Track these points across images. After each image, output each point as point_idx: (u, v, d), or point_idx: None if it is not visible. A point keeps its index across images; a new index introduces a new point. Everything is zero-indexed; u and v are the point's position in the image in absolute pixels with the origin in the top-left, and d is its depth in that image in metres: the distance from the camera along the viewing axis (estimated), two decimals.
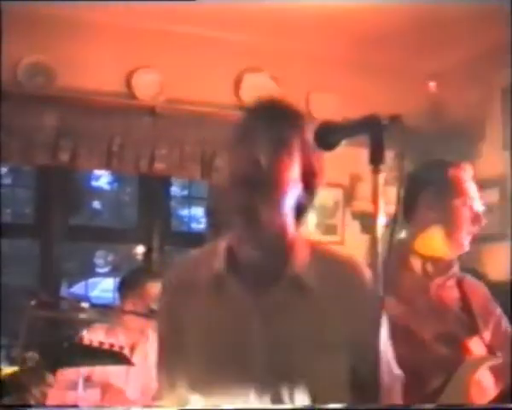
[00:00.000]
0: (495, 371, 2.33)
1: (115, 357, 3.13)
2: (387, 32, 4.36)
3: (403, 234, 2.53)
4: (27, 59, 4.21)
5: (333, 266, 1.70)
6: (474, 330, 2.42)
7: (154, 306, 3.63)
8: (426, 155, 4.00)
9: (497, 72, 4.44)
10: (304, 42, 4.60)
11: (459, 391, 2.27)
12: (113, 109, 4.33)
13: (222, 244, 1.70)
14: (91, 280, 6.76)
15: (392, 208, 1.44)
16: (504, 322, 2.52)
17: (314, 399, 1.60)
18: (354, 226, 4.91)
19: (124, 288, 3.86)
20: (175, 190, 6.21)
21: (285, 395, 1.60)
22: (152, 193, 4.90)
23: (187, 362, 1.67)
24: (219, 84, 4.50)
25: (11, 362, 3.46)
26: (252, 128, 1.64)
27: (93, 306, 3.58)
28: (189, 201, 6.21)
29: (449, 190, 2.43)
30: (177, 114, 4.42)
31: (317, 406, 1.60)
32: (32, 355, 3.04)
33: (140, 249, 4.97)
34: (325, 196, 4.83)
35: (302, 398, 1.60)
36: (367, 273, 1.67)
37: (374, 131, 1.42)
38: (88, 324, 3.65)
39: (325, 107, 4.69)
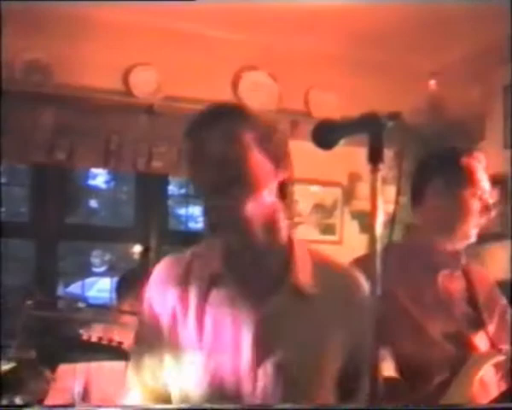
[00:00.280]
0: (500, 368, 2.32)
1: (114, 352, 3.11)
2: (387, 29, 4.35)
3: (410, 223, 2.50)
4: (24, 57, 4.20)
5: (331, 274, 1.69)
6: (479, 325, 2.40)
7: None
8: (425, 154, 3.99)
9: (498, 69, 4.43)
10: (302, 40, 4.59)
11: (463, 388, 2.26)
12: (111, 107, 4.32)
13: (218, 241, 1.67)
14: (88, 280, 6.73)
15: (391, 208, 1.42)
16: (508, 314, 2.50)
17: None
18: (353, 226, 4.90)
19: (121, 288, 3.85)
20: (172, 188, 6.18)
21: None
22: (149, 192, 4.88)
23: (170, 366, 1.65)
24: (217, 83, 4.48)
25: (8, 362, 3.43)
26: (201, 134, 1.63)
27: (90, 306, 3.56)
28: (186, 199, 6.18)
29: (460, 180, 2.39)
30: (175, 112, 4.40)
31: (318, 406, 1.59)
32: (29, 351, 3.03)
33: (137, 249, 4.95)
34: (324, 194, 4.82)
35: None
36: (364, 284, 1.67)
37: (373, 130, 1.40)
38: (85, 324, 3.64)
39: (324, 105, 4.68)
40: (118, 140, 4.35)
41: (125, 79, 4.42)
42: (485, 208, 2.40)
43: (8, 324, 3.61)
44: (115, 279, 4.07)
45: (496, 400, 2.22)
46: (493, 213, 2.42)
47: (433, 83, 4.73)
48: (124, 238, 5.24)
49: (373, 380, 1.34)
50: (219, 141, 1.60)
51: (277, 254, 1.65)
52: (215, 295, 1.63)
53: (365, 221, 4.74)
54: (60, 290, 4.75)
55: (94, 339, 3.11)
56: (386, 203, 1.38)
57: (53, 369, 3.52)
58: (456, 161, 2.41)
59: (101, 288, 6.73)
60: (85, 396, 3.65)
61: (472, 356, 2.32)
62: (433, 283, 2.39)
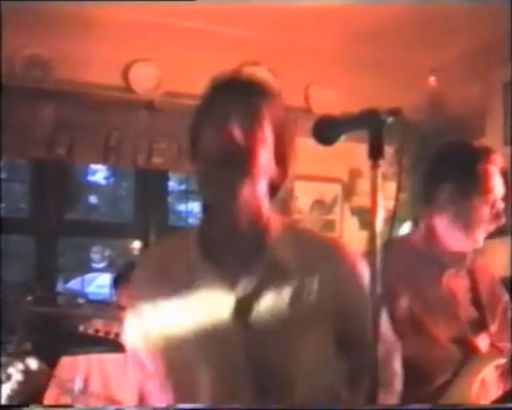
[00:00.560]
0: (501, 369, 2.32)
1: (111, 344, 3.12)
2: (387, 26, 4.34)
3: (418, 220, 2.48)
4: (25, 52, 4.20)
5: (316, 247, 1.69)
6: (482, 326, 2.39)
7: None
8: (425, 151, 3.99)
9: (498, 66, 4.42)
10: (302, 36, 4.58)
11: (465, 389, 2.26)
12: (111, 103, 4.31)
13: (193, 231, 1.68)
14: (88, 276, 6.73)
15: (391, 204, 1.41)
16: (509, 314, 2.49)
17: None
18: (353, 222, 4.89)
19: (118, 283, 3.85)
20: (172, 184, 6.18)
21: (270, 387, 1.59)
22: (149, 188, 4.88)
23: (160, 359, 1.66)
24: None
25: (8, 357, 3.43)
26: (222, 104, 1.62)
27: (89, 301, 3.56)
28: (186, 196, 6.19)
29: (473, 187, 2.33)
30: (175, 108, 4.39)
31: (318, 406, 1.58)
32: (24, 345, 3.03)
33: (137, 245, 4.95)
34: (324, 191, 4.82)
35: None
36: (352, 252, 1.71)
37: (373, 126, 1.40)
38: (84, 319, 3.64)
39: (324, 101, 4.67)
40: (118, 136, 4.35)
41: (125, 74, 4.42)
42: (497, 216, 2.36)
43: (8, 319, 3.61)
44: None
45: (497, 401, 2.22)
46: (504, 221, 2.38)
47: (433, 80, 4.72)
48: (123, 234, 5.24)
49: (373, 380, 1.34)
50: (242, 111, 1.60)
51: (254, 235, 1.64)
52: (193, 283, 1.62)
53: (365, 217, 4.73)
54: (59, 286, 4.75)
55: (91, 332, 3.12)
56: (386, 200, 1.38)
57: (51, 363, 3.53)
58: (471, 166, 2.33)
59: (100, 284, 6.72)
60: (86, 388, 3.65)
61: (473, 357, 2.31)
62: (438, 282, 2.37)
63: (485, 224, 2.36)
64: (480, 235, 2.38)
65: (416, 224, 2.48)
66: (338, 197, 4.90)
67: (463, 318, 2.37)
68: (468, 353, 2.31)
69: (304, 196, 4.73)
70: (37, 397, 3.63)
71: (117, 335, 3.12)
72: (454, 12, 4.05)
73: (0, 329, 3.50)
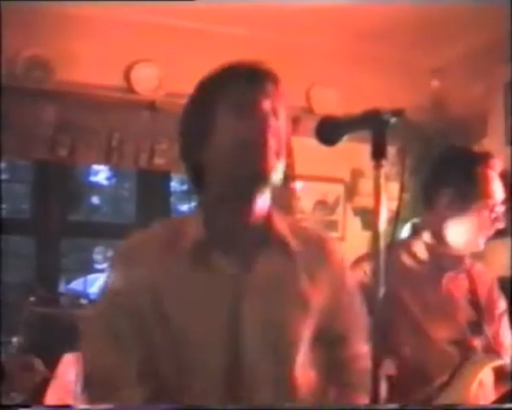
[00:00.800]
0: (498, 371, 2.31)
1: None
2: (389, 27, 4.34)
3: (418, 223, 2.48)
4: (25, 53, 4.19)
5: (309, 237, 1.74)
6: (480, 327, 2.39)
7: None
8: (428, 151, 3.99)
9: (500, 66, 4.41)
10: (304, 36, 4.58)
11: (462, 390, 2.25)
12: (112, 104, 4.31)
13: (193, 217, 1.68)
14: (90, 276, 6.73)
15: (393, 204, 1.41)
16: (507, 315, 2.50)
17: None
18: (355, 222, 4.89)
19: None
20: (174, 185, 6.18)
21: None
22: (151, 188, 4.87)
23: (153, 351, 1.61)
24: None
25: (9, 358, 3.44)
26: (247, 95, 1.61)
27: (92, 302, 3.56)
28: (188, 196, 6.18)
29: (472, 192, 2.35)
30: (177, 109, 4.34)
31: (318, 406, 1.58)
32: (17, 341, 3.04)
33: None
34: (326, 191, 4.81)
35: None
36: (338, 248, 1.77)
37: (376, 126, 1.40)
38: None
39: (326, 101, 4.67)
40: (119, 137, 4.34)
41: (127, 75, 4.41)
42: (496, 220, 2.37)
43: (10, 320, 3.61)
44: None
45: (495, 402, 2.22)
46: (503, 224, 2.39)
47: (435, 80, 4.72)
48: (126, 235, 5.22)
49: (375, 380, 1.34)
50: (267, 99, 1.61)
51: (258, 222, 1.66)
52: (200, 261, 1.61)
53: (368, 218, 4.72)
54: (62, 287, 4.74)
55: None
56: (388, 200, 1.38)
57: (52, 362, 3.54)
58: (470, 171, 2.35)
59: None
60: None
61: (471, 358, 2.31)
62: (437, 285, 2.38)
63: (485, 228, 2.38)
64: (481, 239, 2.40)
65: (415, 227, 2.48)
66: (340, 198, 4.89)
67: (462, 320, 2.38)
68: (466, 354, 2.31)
69: (306, 196, 4.72)
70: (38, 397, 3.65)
71: None
72: (456, 12, 4.04)
73: (1, 329, 3.50)
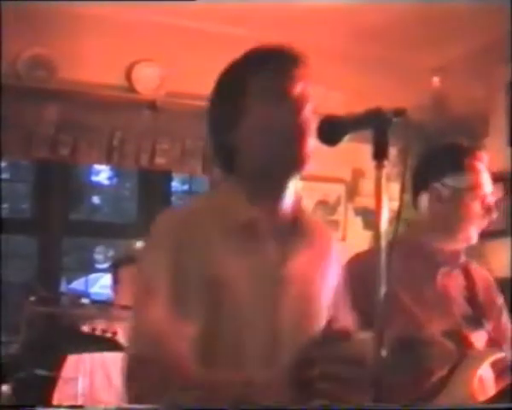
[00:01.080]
0: (497, 366, 2.31)
1: (108, 343, 3.12)
2: (390, 26, 4.34)
3: (411, 220, 2.49)
4: (27, 52, 4.18)
5: (320, 228, 1.82)
6: (478, 324, 2.39)
7: None
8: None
9: (501, 66, 4.41)
10: (305, 36, 4.56)
11: (461, 386, 2.25)
12: (114, 103, 4.31)
13: (234, 195, 1.67)
14: (91, 276, 6.73)
15: (394, 204, 1.41)
16: (505, 313, 2.50)
17: None
18: (356, 222, 4.88)
19: (117, 267, 3.92)
20: (176, 185, 6.18)
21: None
22: (152, 188, 4.87)
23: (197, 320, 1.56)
24: None
25: (10, 358, 3.44)
26: (278, 79, 1.64)
27: (93, 302, 3.57)
28: (189, 196, 6.18)
29: (462, 183, 2.36)
30: (178, 109, 4.39)
31: (318, 406, 1.58)
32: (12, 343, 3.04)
33: (140, 245, 4.94)
34: (327, 191, 4.81)
35: None
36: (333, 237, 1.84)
37: (378, 126, 1.40)
38: (88, 320, 3.64)
39: (327, 101, 4.66)
40: (121, 136, 4.34)
41: (128, 74, 4.41)
42: (487, 210, 2.38)
43: (11, 320, 3.61)
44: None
45: (494, 397, 2.21)
46: (495, 215, 2.40)
47: (436, 80, 4.71)
48: (127, 234, 5.23)
49: (376, 380, 1.34)
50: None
51: (289, 208, 1.70)
52: (246, 238, 1.61)
53: (369, 218, 4.72)
54: (63, 287, 4.75)
55: (87, 330, 3.13)
56: (389, 200, 1.38)
57: (54, 363, 3.54)
58: (458, 162, 2.38)
59: (104, 284, 6.72)
60: (90, 388, 3.66)
61: (470, 354, 2.31)
62: (432, 280, 2.38)
63: (476, 219, 2.38)
64: (473, 231, 2.41)
65: (407, 223, 2.49)
66: (341, 198, 4.89)
67: (458, 314, 2.38)
68: (465, 349, 2.31)
69: (307, 196, 4.72)
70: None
71: (114, 333, 3.13)
72: (457, 12, 4.04)
73: (1, 329, 3.51)
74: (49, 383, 3.69)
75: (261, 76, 1.65)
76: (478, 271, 2.50)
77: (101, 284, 6.94)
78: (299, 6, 4.14)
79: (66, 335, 3.27)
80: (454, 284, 2.42)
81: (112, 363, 3.66)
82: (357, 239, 4.62)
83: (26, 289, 3.41)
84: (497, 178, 2.56)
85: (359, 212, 4.88)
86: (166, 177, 4.97)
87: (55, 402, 3.63)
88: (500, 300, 2.51)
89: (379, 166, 1.38)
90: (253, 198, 1.64)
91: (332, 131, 1.51)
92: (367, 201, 4.60)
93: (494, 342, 2.39)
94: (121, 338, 3.37)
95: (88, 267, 6.94)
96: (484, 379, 2.30)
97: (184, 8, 4.16)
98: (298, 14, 4.24)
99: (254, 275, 1.60)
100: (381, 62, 4.70)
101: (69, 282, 5.59)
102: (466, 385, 2.25)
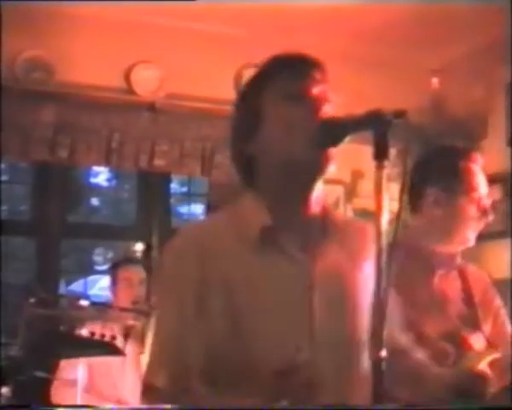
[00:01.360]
0: (495, 366, 2.31)
1: (106, 347, 3.11)
2: (390, 27, 4.33)
3: (408, 225, 2.49)
4: (25, 54, 4.18)
5: (353, 228, 1.79)
6: (475, 325, 2.40)
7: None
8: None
9: (501, 67, 4.41)
10: (304, 37, 4.57)
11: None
12: (112, 105, 4.31)
13: (254, 205, 1.66)
14: (90, 278, 6.73)
15: (393, 205, 1.41)
16: (503, 315, 2.50)
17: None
18: None
19: (116, 267, 3.93)
20: (175, 186, 6.18)
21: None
22: (151, 190, 4.88)
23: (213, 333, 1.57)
24: (219, 80, 4.46)
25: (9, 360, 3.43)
26: (296, 82, 1.63)
27: (92, 304, 3.56)
28: (188, 198, 6.19)
29: (458, 186, 2.37)
30: (177, 110, 4.39)
31: (318, 406, 1.57)
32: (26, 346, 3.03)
33: (139, 247, 4.95)
34: (326, 192, 4.80)
35: None
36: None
37: (379, 127, 1.40)
38: (87, 322, 3.64)
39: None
40: (119, 138, 4.34)
41: (127, 76, 4.41)
42: (484, 213, 2.39)
43: (9, 322, 3.60)
44: None
45: (494, 397, 2.21)
46: (491, 217, 2.40)
47: (435, 81, 4.71)
48: (126, 236, 5.24)
49: (376, 380, 1.34)
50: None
51: (316, 212, 1.70)
52: (270, 247, 1.61)
53: (368, 219, 4.72)
54: (62, 288, 4.75)
55: (86, 334, 3.12)
56: (389, 201, 1.38)
57: (48, 363, 3.54)
58: (453, 166, 2.39)
59: (103, 286, 6.72)
60: (88, 389, 3.66)
61: (467, 354, 2.31)
62: (429, 283, 2.39)
63: (473, 222, 2.40)
64: (470, 234, 2.42)
65: (404, 226, 2.49)
66: (340, 199, 4.88)
67: (455, 316, 2.38)
68: (462, 351, 2.32)
69: None
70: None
71: (113, 337, 3.12)
72: (457, 13, 4.04)
73: (1, 331, 3.50)
74: (49, 386, 3.69)
75: (279, 79, 1.64)
76: (475, 273, 2.51)
77: (100, 286, 6.93)
78: (298, 7, 4.14)
79: (64, 339, 3.26)
80: (451, 286, 2.43)
81: (110, 366, 3.67)
82: None
83: (25, 290, 3.40)
84: (495, 179, 2.57)
85: (358, 213, 4.88)
86: (165, 178, 4.97)
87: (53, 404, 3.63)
88: (498, 301, 2.51)
89: (379, 167, 1.38)
90: (275, 206, 1.64)
91: (333, 132, 1.51)
92: (366, 202, 4.59)
93: (492, 344, 2.39)
94: (119, 343, 3.38)
95: (87, 269, 6.93)
96: None
97: (183, 9, 4.16)
98: (297, 14, 4.24)
99: (280, 283, 1.59)
100: (381, 63, 4.69)
101: (68, 284, 5.59)
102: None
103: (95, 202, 8.10)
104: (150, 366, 1.63)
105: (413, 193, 2.45)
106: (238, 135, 1.70)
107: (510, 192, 4.29)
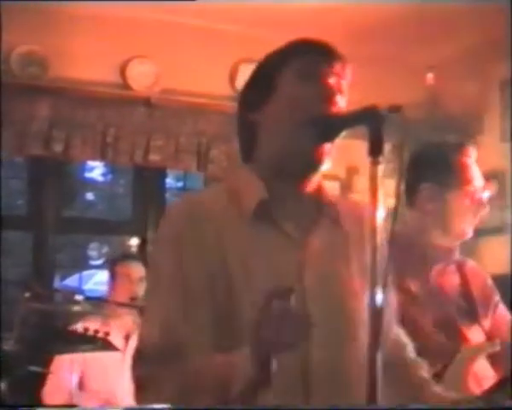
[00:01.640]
0: (493, 359, 2.32)
1: (99, 343, 3.11)
2: (385, 24, 4.34)
3: (404, 220, 2.49)
4: (20, 49, 4.18)
5: (348, 207, 1.74)
6: (473, 318, 2.41)
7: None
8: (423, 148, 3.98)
9: (496, 64, 4.42)
10: (299, 33, 4.56)
11: (456, 380, 2.25)
12: (108, 100, 4.31)
13: (251, 179, 1.64)
14: (85, 273, 6.73)
15: (389, 201, 1.41)
16: (502, 308, 2.51)
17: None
18: None
19: (115, 263, 3.92)
20: (170, 181, 6.17)
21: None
22: (146, 185, 4.87)
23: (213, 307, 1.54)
24: (215, 75, 4.46)
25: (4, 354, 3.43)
26: (315, 66, 1.63)
27: (87, 298, 3.56)
28: (183, 192, 6.17)
29: (452, 181, 2.38)
30: (173, 105, 4.39)
31: (318, 406, 1.57)
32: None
33: (134, 241, 4.94)
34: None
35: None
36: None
37: (373, 123, 1.40)
38: (82, 316, 3.64)
39: None
40: (115, 133, 4.34)
41: (123, 71, 4.41)
42: (479, 205, 2.40)
43: (5, 316, 3.60)
44: None
45: (489, 390, 2.22)
46: (487, 209, 2.41)
47: (430, 77, 4.72)
48: (121, 231, 5.23)
49: (372, 379, 1.34)
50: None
51: (312, 192, 1.67)
52: (265, 221, 1.60)
53: None
54: (57, 283, 4.74)
55: (80, 330, 3.12)
56: (384, 197, 1.38)
57: (46, 360, 3.54)
58: (447, 160, 2.40)
59: (98, 281, 6.72)
60: (82, 386, 3.66)
61: (465, 348, 2.32)
62: (427, 276, 2.40)
63: (468, 215, 2.40)
64: (467, 227, 2.42)
65: (400, 221, 2.49)
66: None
67: (452, 310, 2.39)
68: (459, 344, 2.32)
69: None
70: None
71: (106, 333, 3.12)
72: (452, 10, 4.04)
73: (1, 325, 3.49)
74: (43, 380, 3.69)
75: (301, 59, 1.65)
76: (473, 268, 2.52)
77: (95, 281, 6.94)
78: (295, 4, 4.14)
79: (59, 335, 3.26)
80: (448, 280, 2.43)
81: (103, 362, 3.66)
82: None
83: (21, 285, 3.39)
84: (491, 175, 2.57)
85: None
86: (161, 173, 4.96)
87: (47, 400, 3.63)
88: (496, 296, 2.52)
89: (374, 163, 1.38)
90: (272, 182, 1.63)
91: (328, 127, 1.51)
92: (361, 198, 4.59)
93: (491, 338, 2.39)
94: (114, 338, 3.38)
95: (82, 264, 6.92)
96: (479, 373, 2.31)
97: (179, 4, 4.16)
98: (292, 10, 4.24)
99: (272, 258, 1.57)
100: (376, 60, 4.70)
101: (63, 279, 5.58)
102: (461, 379, 2.26)
103: (90, 196, 8.10)
104: (145, 321, 1.62)
105: (408, 188, 2.46)
106: (247, 100, 1.69)
107: (510, 188, 4.30)
